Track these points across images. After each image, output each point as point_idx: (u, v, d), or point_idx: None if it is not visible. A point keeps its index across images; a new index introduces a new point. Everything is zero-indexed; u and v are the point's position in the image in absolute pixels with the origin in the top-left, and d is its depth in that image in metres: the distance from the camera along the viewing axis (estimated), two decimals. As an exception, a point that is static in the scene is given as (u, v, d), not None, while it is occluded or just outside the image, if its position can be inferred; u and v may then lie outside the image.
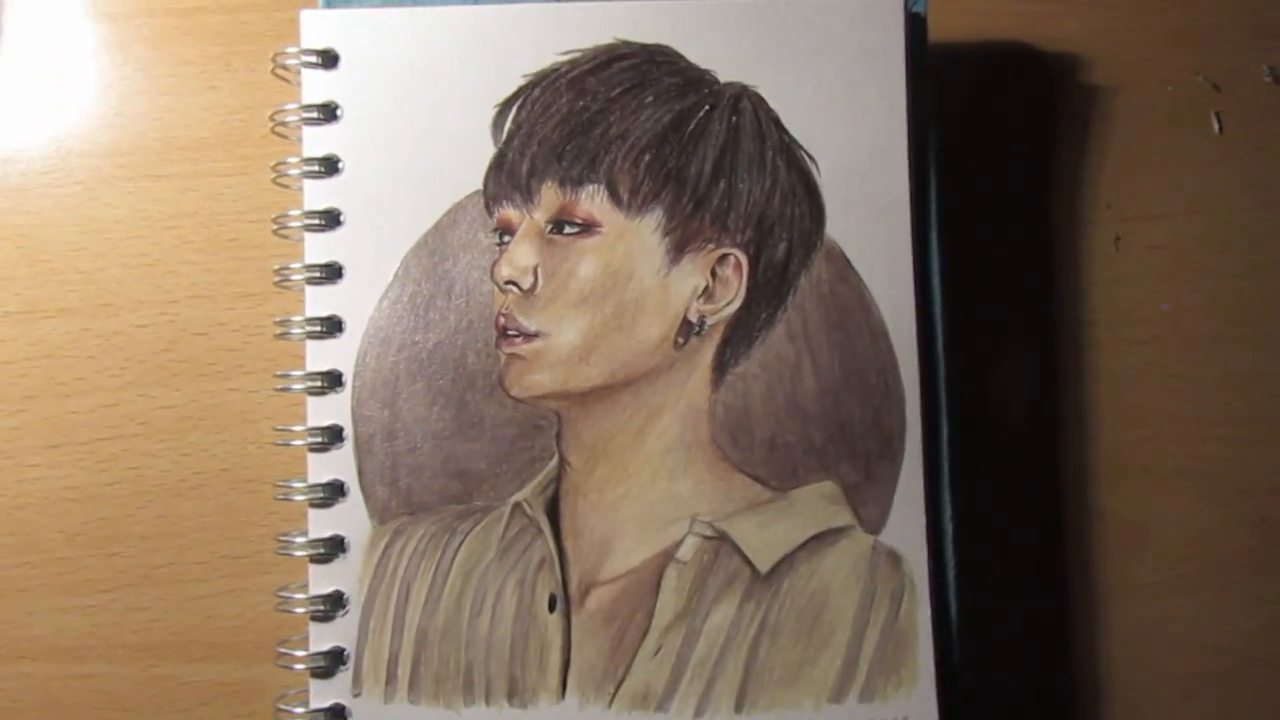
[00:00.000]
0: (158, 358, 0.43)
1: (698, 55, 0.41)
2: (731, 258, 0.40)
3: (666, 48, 0.41)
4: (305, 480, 0.39)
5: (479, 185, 0.40)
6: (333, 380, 0.40)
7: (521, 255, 0.40)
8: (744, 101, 0.40)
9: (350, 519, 0.39)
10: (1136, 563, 0.43)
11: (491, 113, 0.40)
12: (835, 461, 0.40)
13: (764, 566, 0.39)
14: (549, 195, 0.40)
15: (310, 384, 0.39)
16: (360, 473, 0.39)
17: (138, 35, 0.44)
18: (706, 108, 0.40)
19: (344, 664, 0.39)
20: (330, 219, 0.40)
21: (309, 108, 0.40)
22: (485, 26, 0.40)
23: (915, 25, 0.41)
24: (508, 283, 0.40)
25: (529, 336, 0.39)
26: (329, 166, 0.40)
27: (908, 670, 0.39)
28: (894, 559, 0.39)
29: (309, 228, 0.40)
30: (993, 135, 0.45)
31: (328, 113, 0.40)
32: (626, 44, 0.41)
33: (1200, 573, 0.43)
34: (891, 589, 0.39)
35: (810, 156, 0.41)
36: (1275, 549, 0.43)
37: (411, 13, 0.41)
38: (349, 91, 0.40)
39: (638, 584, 0.39)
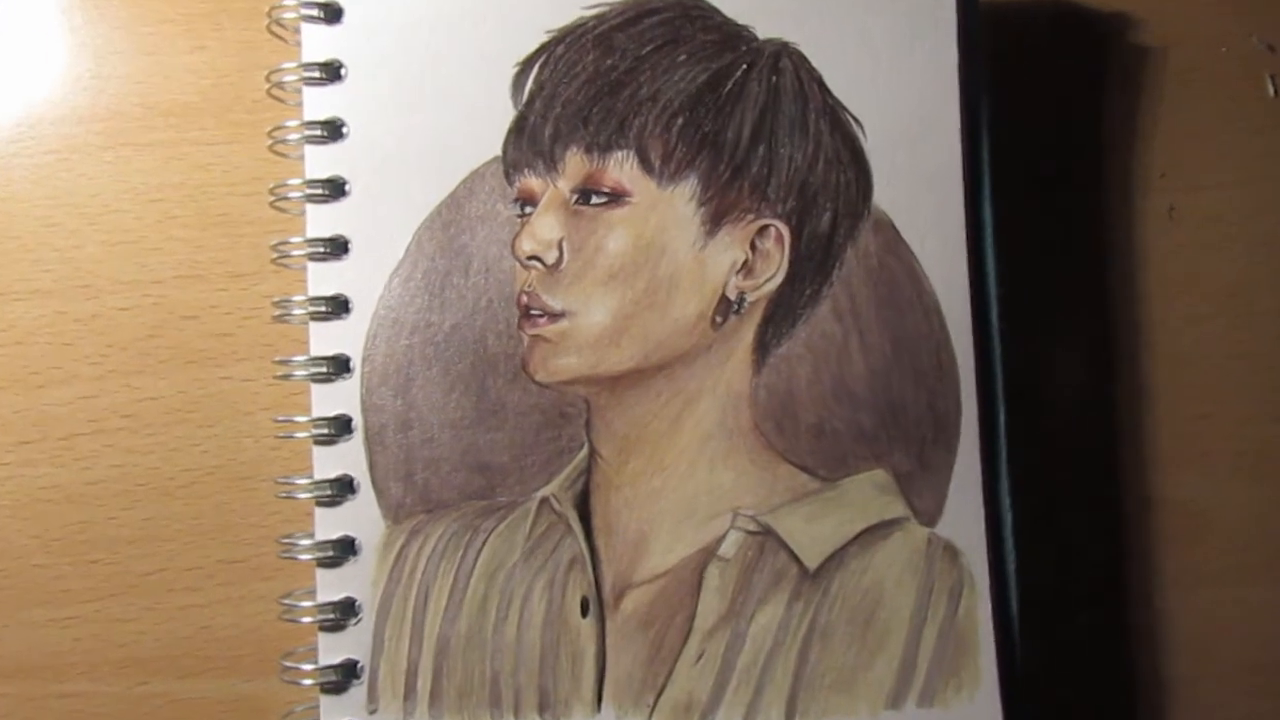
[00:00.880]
0: (142, 344, 0.39)
1: (734, 10, 0.37)
2: (772, 229, 0.37)
3: (701, 1, 0.37)
4: (310, 476, 0.36)
5: (498, 151, 0.37)
6: (339, 366, 0.36)
7: (545, 228, 0.36)
8: (784, 60, 0.37)
9: (361, 518, 0.36)
10: (1198, 552, 0.41)
11: (511, 72, 0.37)
12: (887, 448, 0.37)
13: (812, 563, 0.36)
14: (574, 162, 0.36)
15: (314, 370, 0.36)
16: (371, 467, 0.36)
17: (115, -10, 0.40)
18: (744, 66, 0.37)
19: (357, 677, 0.35)
20: (334, 189, 0.36)
21: (310, 66, 0.36)
22: (504, -23, 0.37)
23: (967, -22, 0.38)
24: (530, 258, 0.36)
25: (554, 316, 0.36)
26: (332, 131, 0.36)
27: (968, 672, 0.36)
28: (951, 553, 0.36)
29: (311, 198, 0.36)
30: (1040, 100, 0.42)
31: (330, 72, 0.37)
32: (658, -4, 0.37)
33: (1264, 561, 0.41)
34: (949, 585, 0.36)
35: (855, 120, 0.38)
36: (1343, 535, 0.41)
37: (422, -38, 0.37)
38: (354, 48, 0.37)
39: (677, 584, 0.36)
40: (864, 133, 0.38)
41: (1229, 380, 0.42)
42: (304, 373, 0.36)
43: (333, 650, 0.35)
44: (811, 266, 0.37)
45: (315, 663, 0.35)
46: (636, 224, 0.36)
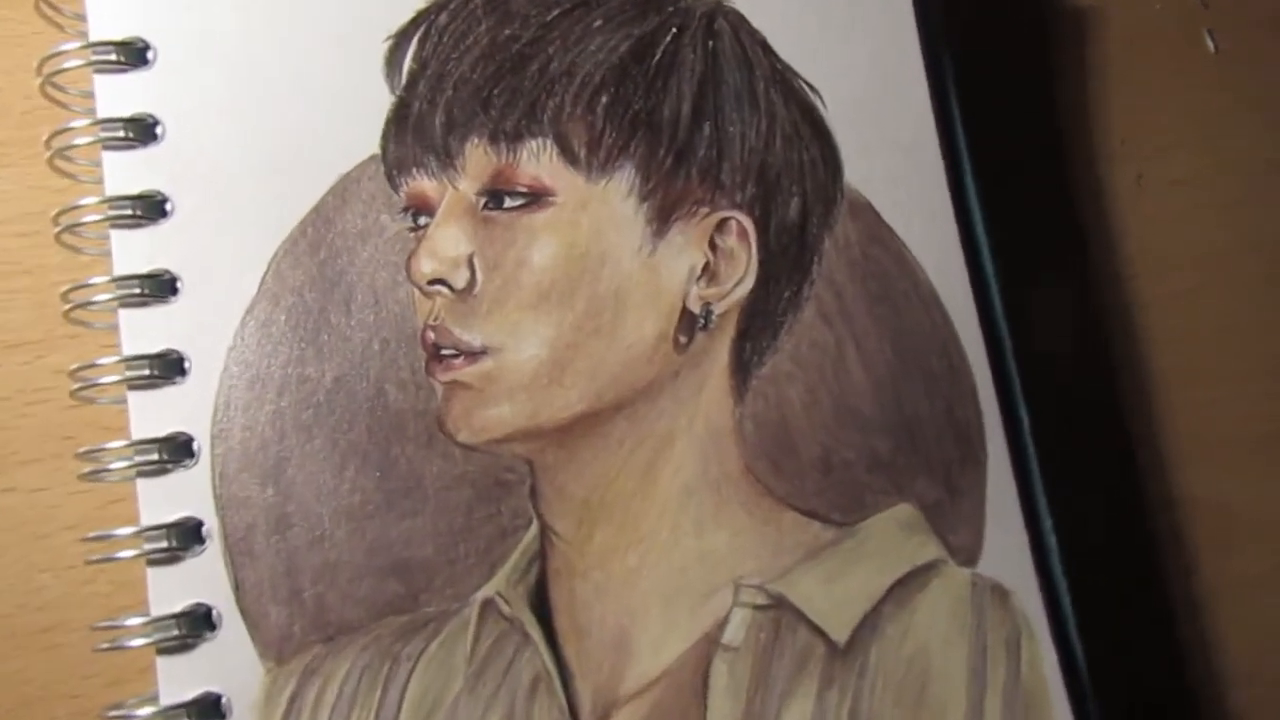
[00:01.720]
0: None
1: (653, -38, 0.30)
2: (733, 223, 0.30)
3: (613, -49, 0.30)
4: (146, 614, 0.25)
5: (374, 149, 0.28)
6: (177, 450, 0.25)
7: (447, 241, 0.28)
8: (720, 21, 0.31)
9: (227, 665, 0.25)
10: (1235, 554, 0.36)
11: (383, 48, 0.28)
12: (909, 477, 0.30)
13: (841, 635, 0.28)
14: (477, 157, 0.28)
15: (140, 460, 0.25)
16: (237, 589, 0.25)
17: None
18: (673, 30, 0.30)
19: None
20: (149, 208, 0.26)
21: (102, 47, 0.26)
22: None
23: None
24: (432, 282, 0.28)
25: (473, 356, 0.27)
26: (141, 131, 0.27)
27: (1045, 740, 0.28)
28: (1000, 595, 0.29)
29: (116, 222, 0.26)
30: (988, 73, 0.38)
31: (132, 54, 0.27)
32: (561, -55, 0.30)
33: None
34: (1005, 636, 0.29)
35: (811, 88, 0.31)
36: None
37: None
38: (163, 21, 0.27)
39: (677, 691, 0.27)
40: (823, 102, 0.31)
41: (1230, 356, 0.37)
42: (123, 465, 0.25)
43: None
44: (786, 264, 0.30)
45: None
46: (565, 229, 0.28)
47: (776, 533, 0.29)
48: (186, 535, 0.25)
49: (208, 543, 0.25)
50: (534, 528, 0.27)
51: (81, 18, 0.27)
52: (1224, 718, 0.35)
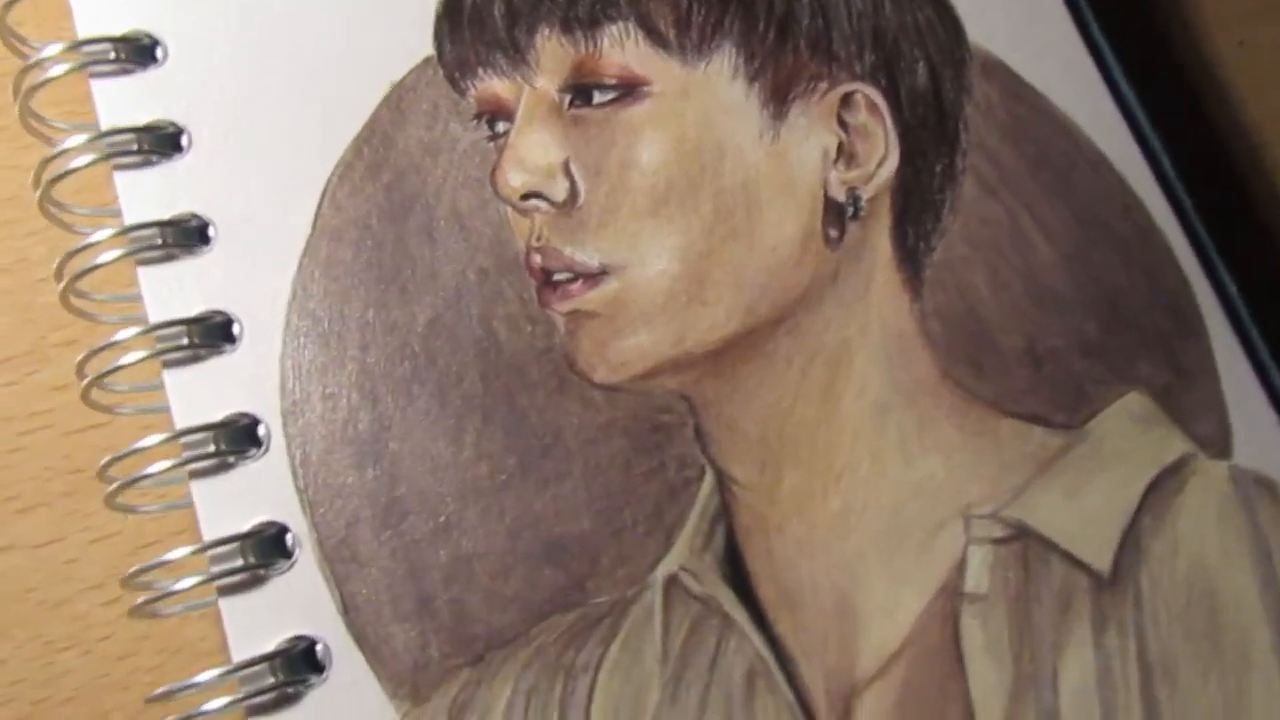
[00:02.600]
0: None
1: None
2: (858, 96, 0.25)
3: None
4: (228, 663, 0.18)
5: (428, 50, 0.23)
6: (236, 438, 0.19)
7: (535, 148, 0.22)
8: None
9: (346, 715, 0.18)
10: None
11: (419, -68, 0.23)
12: (1127, 360, 0.24)
13: (1103, 562, 0.22)
14: (551, 50, 0.23)
15: (190, 458, 0.18)
16: (345, 610, 0.18)
17: None
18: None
19: None
20: (159, 140, 0.20)
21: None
22: None
23: None
24: (525, 197, 0.22)
25: (592, 278, 0.22)
26: (135, 52, 0.21)
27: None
28: (1269, 489, 0.24)
29: (119, 162, 0.20)
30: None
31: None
32: None
33: None
34: (1289, 533, 0.23)
35: (909, -58, 0.26)
36: None
37: None
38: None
39: (927, 661, 0.21)
40: (924, -41, 0.26)
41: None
42: (167, 466, 0.18)
43: None
44: (929, 136, 0.25)
45: None
46: (670, 121, 0.23)
47: (995, 446, 0.23)
48: (265, 548, 0.18)
49: (296, 553, 0.18)
50: (708, 479, 0.21)
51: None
52: None
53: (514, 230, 0.22)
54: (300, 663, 0.18)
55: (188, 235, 0.20)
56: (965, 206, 0.25)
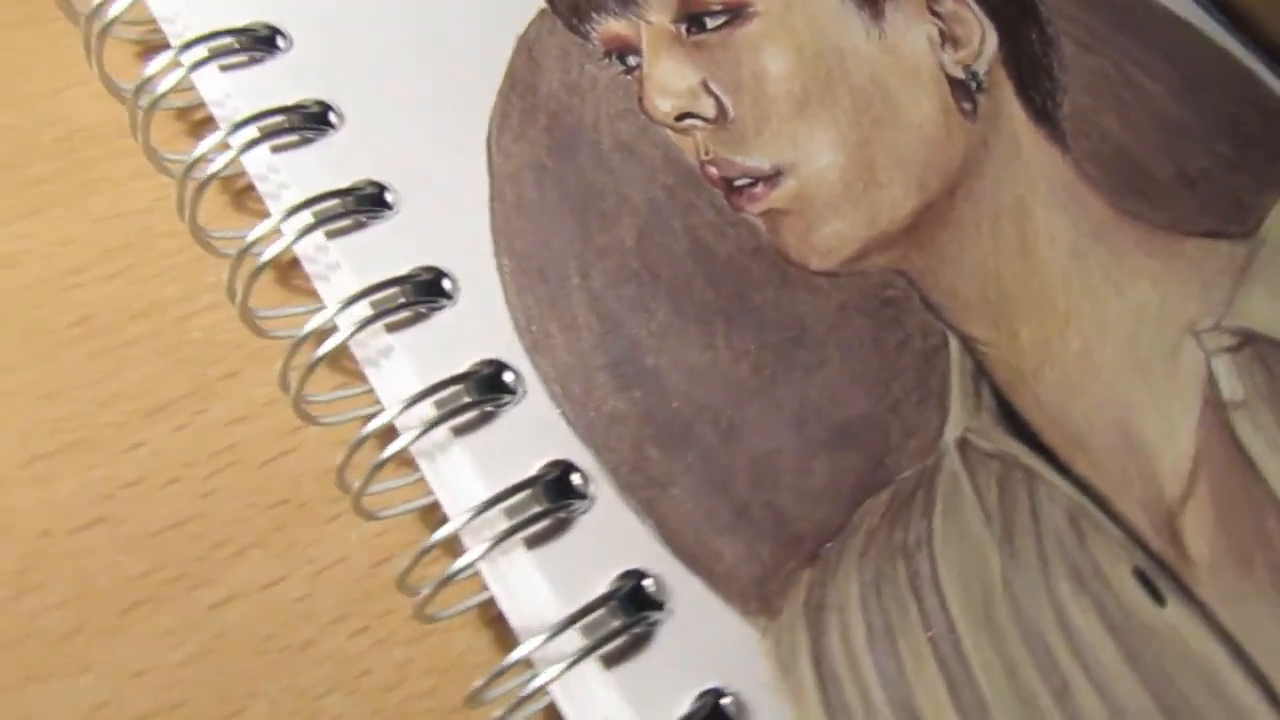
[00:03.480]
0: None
1: None
2: (940, -14, 0.25)
3: None
4: (553, 626, 0.15)
5: (540, 2, 0.22)
6: (488, 385, 0.17)
7: (671, 75, 0.22)
8: None
9: (708, 646, 0.16)
10: None
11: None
12: (1267, 165, 0.25)
13: (1329, 350, 0.22)
14: (652, -14, 0.23)
15: (448, 412, 0.16)
16: (666, 538, 0.16)
17: None
18: None
19: None
20: (309, 119, 0.19)
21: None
22: None
23: None
24: (680, 116, 0.21)
25: (771, 179, 0.21)
26: (256, 43, 0.19)
27: None
28: None
29: (277, 146, 0.18)
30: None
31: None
32: None
33: None
34: None
35: None
36: None
37: None
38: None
39: (1224, 470, 0.20)
40: None
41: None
42: (428, 420, 0.16)
43: None
44: (1013, 10, 0.26)
45: None
46: (783, 34, 0.23)
47: (1191, 266, 0.23)
48: (556, 491, 0.16)
49: (591, 489, 0.16)
50: (953, 342, 0.20)
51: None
52: None
53: (682, 149, 0.21)
54: (632, 602, 0.16)
55: (371, 201, 0.18)
56: (1072, 65, 0.25)
